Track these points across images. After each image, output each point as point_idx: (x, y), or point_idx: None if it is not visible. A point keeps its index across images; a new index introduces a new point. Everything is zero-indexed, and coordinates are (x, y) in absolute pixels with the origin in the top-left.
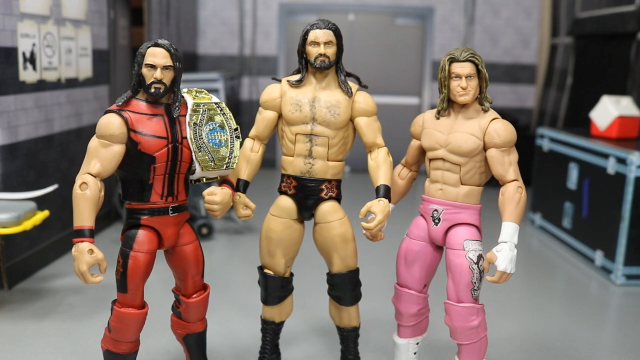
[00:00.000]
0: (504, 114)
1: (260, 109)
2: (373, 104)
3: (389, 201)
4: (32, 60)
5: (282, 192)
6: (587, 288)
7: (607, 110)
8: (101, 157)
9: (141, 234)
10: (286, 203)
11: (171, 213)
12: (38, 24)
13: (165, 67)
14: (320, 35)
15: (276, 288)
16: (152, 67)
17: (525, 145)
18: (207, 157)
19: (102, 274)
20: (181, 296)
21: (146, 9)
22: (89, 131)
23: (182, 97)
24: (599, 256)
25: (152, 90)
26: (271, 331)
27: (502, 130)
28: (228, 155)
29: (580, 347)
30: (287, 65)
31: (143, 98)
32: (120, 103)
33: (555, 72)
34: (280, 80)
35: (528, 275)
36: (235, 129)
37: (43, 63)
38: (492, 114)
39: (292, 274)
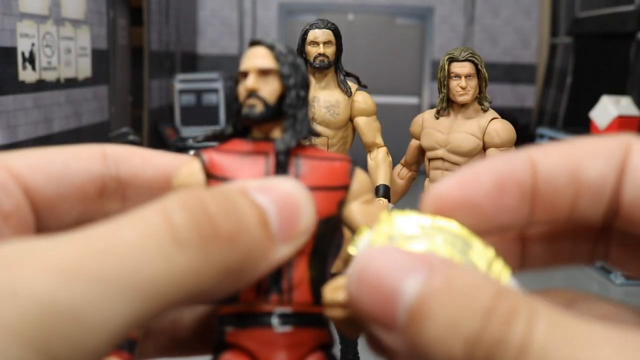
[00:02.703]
0: (504, 113)
1: None
2: (372, 103)
3: (389, 201)
4: (31, 60)
5: None
6: (587, 288)
7: (607, 110)
8: None
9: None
10: None
11: (278, 325)
12: (37, 23)
13: (262, 72)
14: (319, 35)
15: None
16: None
17: (524, 145)
18: None
19: None
20: None
21: (146, 8)
22: (88, 131)
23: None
24: None
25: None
26: None
27: (502, 130)
28: None
29: None
30: None
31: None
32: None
33: (555, 71)
34: None
35: (527, 274)
36: None
37: (42, 63)
38: (492, 113)
39: None
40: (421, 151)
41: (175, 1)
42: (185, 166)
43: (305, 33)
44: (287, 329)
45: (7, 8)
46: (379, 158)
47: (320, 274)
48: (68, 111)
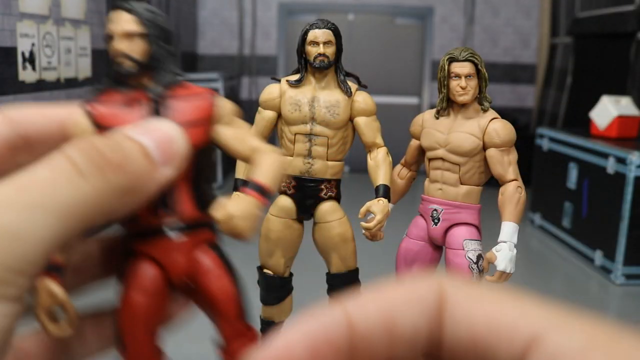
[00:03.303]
0: (504, 113)
1: (259, 108)
2: (372, 103)
3: (389, 201)
4: (31, 60)
5: (281, 192)
6: (587, 288)
7: (607, 110)
8: None
9: (135, 267)
10: (285, 203)
11: (172, 234)
12: (37, 23)
13: (127, 34)
14: (319, 34)
15: (275, 288)
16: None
17: (524, 145)
18: None
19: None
20: (223, 354)
21: None
22: None
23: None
24: (598, 256)
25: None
26: (270, 331)
27: (502, 130)
28: None
29: None
30: (286, 65)
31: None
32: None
33: (555, 71)
34: (279, 80)
35: (528, 274)
36: None
37: (42, 63)
38: (492, 113)
39: (291, 274)
40: (421, 151)
41: (175, 1)
42: (74, 118)
43: (305, 33)
44: (179, 235)
45: (7, 8)
46: (379, 158)
47: (200, 190)
48: None
